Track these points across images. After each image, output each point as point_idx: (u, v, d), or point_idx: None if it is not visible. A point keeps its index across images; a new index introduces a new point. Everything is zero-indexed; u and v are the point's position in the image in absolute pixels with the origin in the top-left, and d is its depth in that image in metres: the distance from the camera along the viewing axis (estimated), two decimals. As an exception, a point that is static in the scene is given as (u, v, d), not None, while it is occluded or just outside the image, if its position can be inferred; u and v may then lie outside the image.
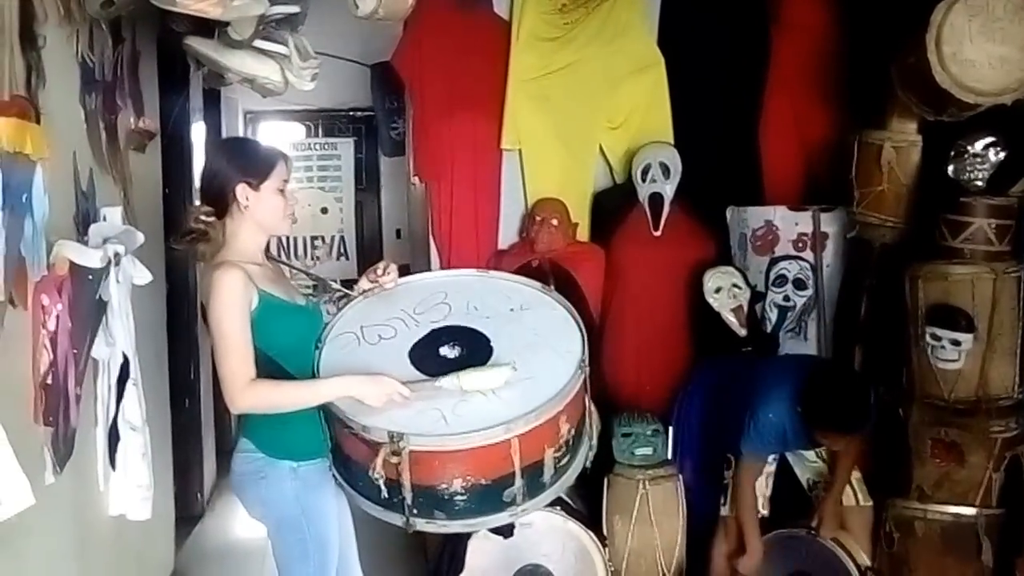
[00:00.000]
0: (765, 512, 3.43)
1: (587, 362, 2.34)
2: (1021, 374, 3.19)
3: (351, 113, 7.26)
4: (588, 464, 2.46)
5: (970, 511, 3.20)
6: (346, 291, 2.59)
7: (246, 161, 2.39)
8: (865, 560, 3.30)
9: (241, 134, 7.09)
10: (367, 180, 7.44)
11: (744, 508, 3.30)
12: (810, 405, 3.04)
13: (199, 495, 5.08)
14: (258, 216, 2.37)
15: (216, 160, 2.45)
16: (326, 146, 7.43)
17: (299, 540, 2.41)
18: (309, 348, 2.38)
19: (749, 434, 3.19)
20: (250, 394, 2.25)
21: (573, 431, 2.31)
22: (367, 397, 2.23)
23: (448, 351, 2.36)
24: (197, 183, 5.16)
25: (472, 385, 2.23)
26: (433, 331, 2.42)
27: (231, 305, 2.25)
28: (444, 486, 2.18)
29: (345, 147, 7.42)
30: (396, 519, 2.26)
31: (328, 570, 2.47)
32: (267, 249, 2.48)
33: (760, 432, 3.17)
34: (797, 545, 3.37)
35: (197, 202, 2.46)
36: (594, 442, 2.48)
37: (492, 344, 2.36)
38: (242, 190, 2.34)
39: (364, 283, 2.56)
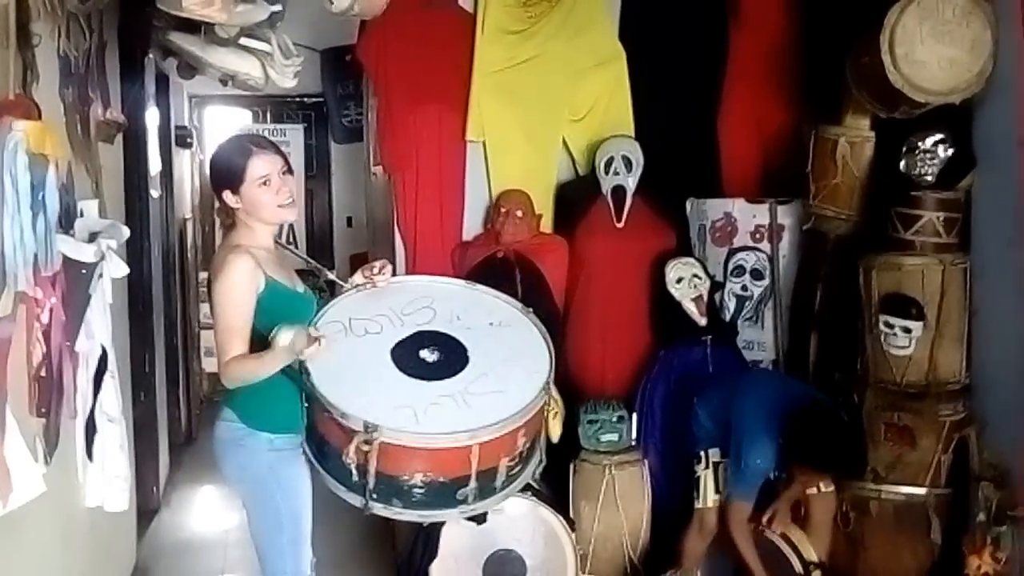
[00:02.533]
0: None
1: (551, 385, 2.53)
2: (967, 360, 3.34)
3: (301, 99, 7.21)
4: (536, 477, 2.66)
5: (921, 491, 3.35)
6: (340, 282, 2.73)
7: (218, 171, 2.55)
8: (812, 555, 3.42)
9: (187, 119, 7.00)
10: (317, 167, 7.41)
11: (743, 552, 3.29)
12: (798, 447, 3.10)
13: (155, 489, 5.04)
14: (252, 213, 2.48)
15: (210, 172, 2.63)
16: (275, 132, 7.37)
17: (273, 510, 2.54)
18: None
19: (736, 478, 3.26)
20: (228, 370, 2.41)
21: (528, 444, 2.50)
22: (296, 353, 2.34)
23: (428, 354, 2.51)
24: (153, 172, 5.16)
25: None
26: (417, 333, 2.56)
27: (235, 287, 2.39)
28: (406, 478, 2.35)
29: (294, 134, 7.38)
30: (356, 500, 2.42)
31: (301, 540, 2.59)
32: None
33: (746, 477, 3.22)
34: None
35: None
36: (544, 456, 2.64)
37: (469, 354, 2.52)
38: (227, 197, 2.49)
39: (358, 278, 2.68)
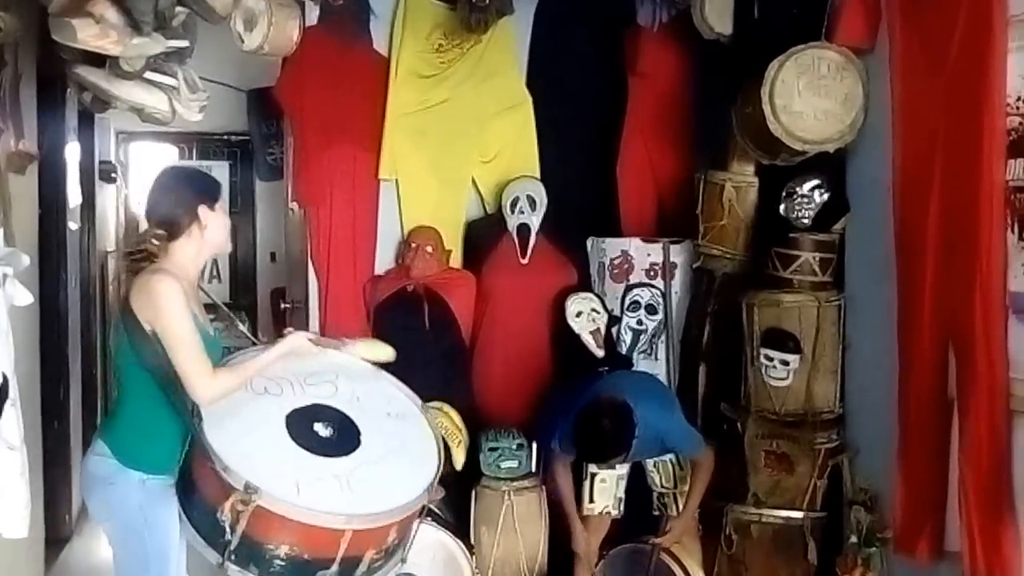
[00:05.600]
0: (616, 513, 3.70)
1: (433, 488, 2.55)
2: (841, 391, 3.56)
3: (227, 137, 7.29)
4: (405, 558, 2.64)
5: (798, 515, 3.55)
6: (250, 336, 2.80)
7: (203, 185, 2.64)
8: None
9: (113, 155, 7.04)
10: (242, 204, 7.45)
11: (560, 488, 3.64)
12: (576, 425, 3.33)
13: (68, 517, 5.02)
14: (212, 235, 2.56)
15: (175, 186, 2.62)
16: (201, 168, 7.42)
17: (140, 550, 2.50)
18: None
19: (558, 435, 3.48)
20: (217, 383, 2.42)
21: (396, 541, 2.51)
22: (300, 348, 2.61)
23: (322, 429, 2.51)
24: (73, 204, 5.17)
25: (362, 354, 2.71)
26: (314, 405, 2.55)
27: (177, 308, 2.40)
28: (271, 547, 2.32)
29: (220, 170, 7.39)
30: (212, 556, 2.39)
31: None
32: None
33: (560, 440, 3.47)
34: (640, 558, 3.64)
35: (146, 225, 2.58)
36: (406, 556, 2.65)
37: (362, 438, 2.52)
38: (203, 211, 2.53)
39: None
